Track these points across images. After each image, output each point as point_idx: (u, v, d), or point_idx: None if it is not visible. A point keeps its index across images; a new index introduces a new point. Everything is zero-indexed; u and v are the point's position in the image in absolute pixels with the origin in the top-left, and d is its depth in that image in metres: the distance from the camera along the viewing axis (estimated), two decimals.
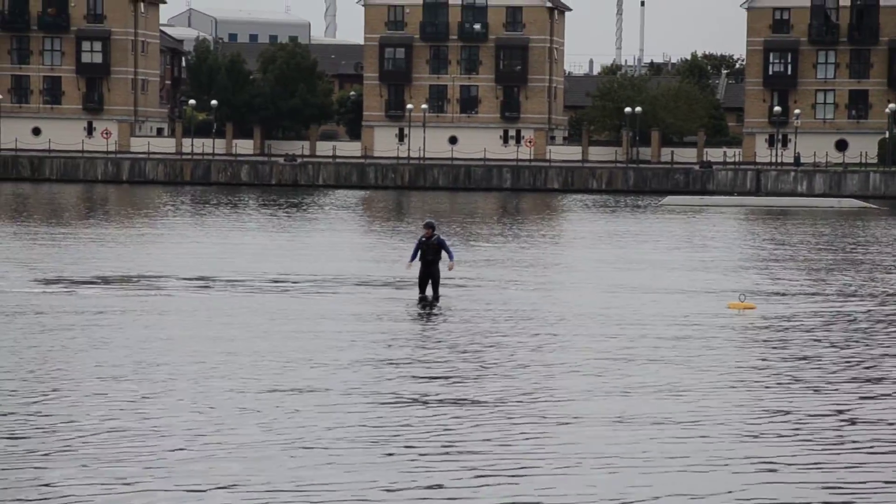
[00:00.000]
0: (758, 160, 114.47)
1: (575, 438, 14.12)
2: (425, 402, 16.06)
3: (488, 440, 14.02)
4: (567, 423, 14.88)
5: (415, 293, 27.78)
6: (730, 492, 12.07)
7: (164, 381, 17.13)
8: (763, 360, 20.04)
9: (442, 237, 27.90)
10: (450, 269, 27.63)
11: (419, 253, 27.62)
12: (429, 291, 27.56)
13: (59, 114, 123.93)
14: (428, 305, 26.44)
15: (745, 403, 16.40)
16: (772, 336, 22.73)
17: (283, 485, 12.06)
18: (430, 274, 27.52)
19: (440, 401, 16.19)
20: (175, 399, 16.01)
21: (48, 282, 29.74)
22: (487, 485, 12.14)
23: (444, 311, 25.35)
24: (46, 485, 11.87)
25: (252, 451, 13.31)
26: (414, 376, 17.84)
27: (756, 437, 14.50)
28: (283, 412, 15.27)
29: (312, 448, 13.55)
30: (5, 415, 14.85)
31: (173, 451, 13.31)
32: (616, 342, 21.52)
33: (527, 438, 14.10)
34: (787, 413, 15.76)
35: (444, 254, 27.50)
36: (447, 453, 13.41)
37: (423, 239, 27.51)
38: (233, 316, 24.38)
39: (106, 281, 30.26)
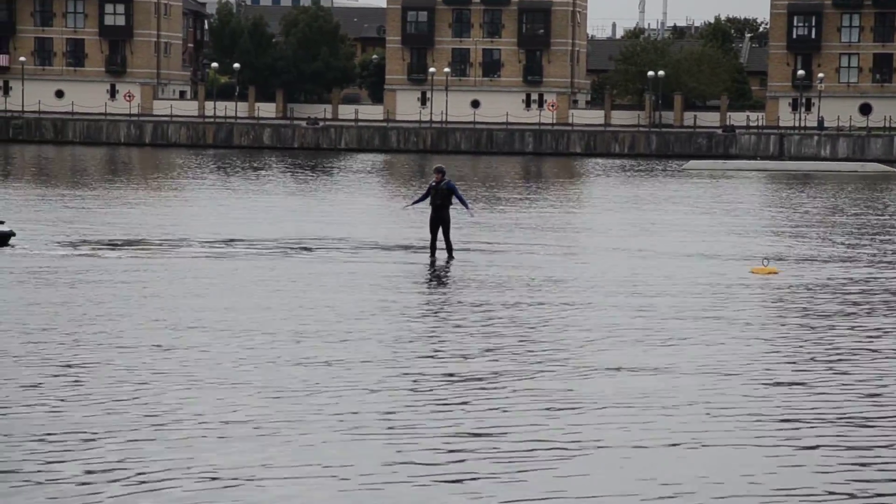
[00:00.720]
0: (781, 124, 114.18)
1: (617, 389, 14.25)
2: (471, 367, 16.16)
3: (537, 399, 14.14)
4: (608, 376, 15.01)
5: (442, 256, 27.87)
6: (740, 444, 12.20)
7: (201, 346, 17.24)
8: (784, 324, 20.10)
9: (452, 182, 27.91)
10: (472, 216, 27.83)
11: (427, 198, 27.73)
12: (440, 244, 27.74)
13: (82, 76, 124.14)
14: (448, 269, 26.49)
15: (763, 362, 16.49)
16: (794, 301, 22.78)
17: (333, 451, 12.19)
18: (440, 219, 27.56)
19: (485, 365, 16.29)
20: (209, 366, 16.14)
21: (74, 244, 29.90)
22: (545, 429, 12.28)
23: (475, 276, 25.36)
24: (89, 462, 11.99)
25: (298, 421, 13.43)
26: (457, 342, 17.88)
27: (776, 394, 14.61)
28: (330, 381, 15.38)
29: (366, 418, 13.66)
30: (45, 382, 14.93)
31: (205, 421, 13.44)
32: (641, 306, 21.59)
33: (576, 391, 14.23)
34: (803, 367, 15.87)
35: (460, 205, 27.61)
36: (501, 409, 13.53)
37: (433, 184, 27.56)
38: (261, 281, 24.48)
39: (131, 244, 30.41)
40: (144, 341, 17.34)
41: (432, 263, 27.41)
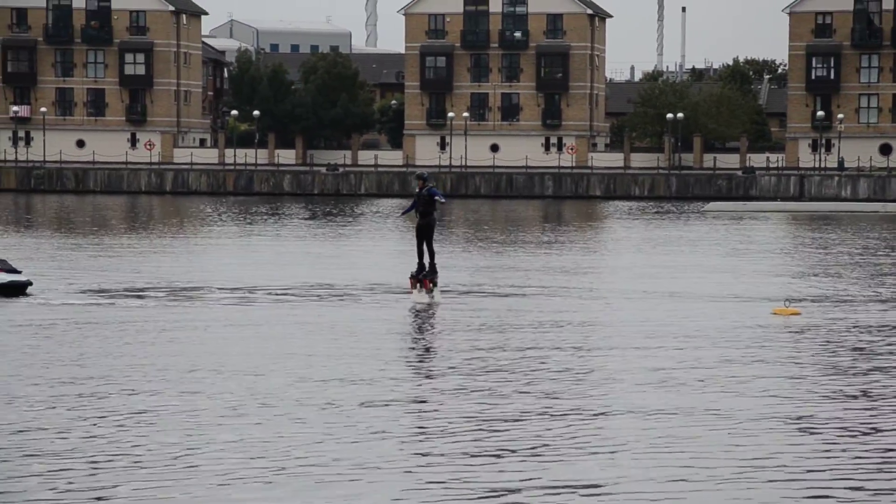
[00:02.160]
0: (801, 165, 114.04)
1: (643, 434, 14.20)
2: (513, 410, 16.12)
3: (575, 446, 14.10)
4: (633, 418, 14.95)
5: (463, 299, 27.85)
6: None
7: (240, 396, 17.23)
8: (804, 365, 20.02)
9: (434, 188, 28.46)
10: (441, 201, 28.37)
11: (416, 207, 28.39)
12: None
13: (103, 126, 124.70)
14: (482, 311, 26.45)
15: (786, 410, 16.41)
16: (814, 342, 22.69)
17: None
18: (425, 225, 28.19)
19: (527, 409, 16.26)
20: (254, 415, 16.13)
21: (96, 293, 29.91)
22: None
23: (506, 321, 25.26)
24: None
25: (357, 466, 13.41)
26: (499, 387, 17.84)
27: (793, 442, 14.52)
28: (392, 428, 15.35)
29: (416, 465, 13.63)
30: (94, 437, 14.88)
31: (261, 469, 13.42)
32: (663, 350, 21.53)
33: (609, 435, 14.21)
34: (815, 416, 15.81)
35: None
36: (539, 455, 13.49)
37: (417, 190, 28.22)
38: (291, 327, 24.49)
39: (154, 292, 30.38)
40: (192, 391, 17.34)
41: (420, 268, 28.13)
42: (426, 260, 28.29)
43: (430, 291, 27.95)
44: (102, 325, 24.20)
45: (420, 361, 20.40)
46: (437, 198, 28.04)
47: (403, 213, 30.01)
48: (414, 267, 28.47)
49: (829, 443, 14.53)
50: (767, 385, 18.15)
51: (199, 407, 16.18)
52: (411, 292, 28.22)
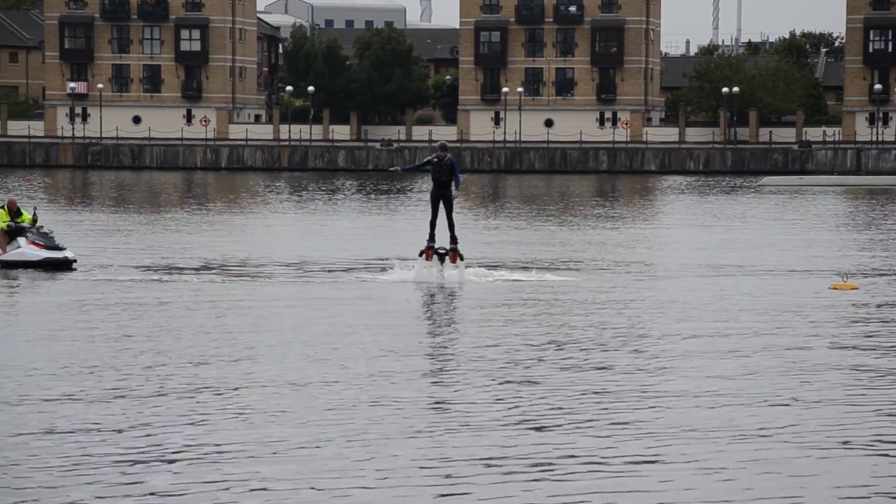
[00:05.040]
0: (858, 139, 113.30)
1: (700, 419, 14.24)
2: (587, 389, 16.20)
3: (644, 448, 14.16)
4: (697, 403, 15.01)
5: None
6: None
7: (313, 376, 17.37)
8: (863, 339, 19.96)
9: (454, 160, 28.21)
10: (454, 197, 27.89)
11: (421, 168, 28.41)
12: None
13: (159, 102, 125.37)
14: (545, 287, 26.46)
15: (844, 384, 16.39)
16: (872, 317, 22.61)
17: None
18: (442, 195, 27.88)
19: (599, 388, 16.33)
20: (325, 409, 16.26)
21: (155, 269, 30.13)
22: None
23: (562, 299, 25.23)
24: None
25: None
26: (574, 365, 17.92)
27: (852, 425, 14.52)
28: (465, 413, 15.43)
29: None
30: (170, 423, 15.04)
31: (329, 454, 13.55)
32: (720, 325, 21.52)
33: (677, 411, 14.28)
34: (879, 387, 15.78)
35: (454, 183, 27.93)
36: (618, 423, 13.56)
37: (436, 160, 27.83)
38: (348, 307, 24.63)
39: (210, 268, 30.57)
40: (248, 375, 17.49)
41: (432, 237, 27.66)
42: (438, 231, 27.98)
43: (455, 264, 27.62)
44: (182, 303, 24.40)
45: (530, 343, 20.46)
46: (455, 180, 27.61)
47: (404, 169, 30.29)
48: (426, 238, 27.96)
49: None
50: (831, 362, 18.12)
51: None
52: (423, 263, 27.66)
